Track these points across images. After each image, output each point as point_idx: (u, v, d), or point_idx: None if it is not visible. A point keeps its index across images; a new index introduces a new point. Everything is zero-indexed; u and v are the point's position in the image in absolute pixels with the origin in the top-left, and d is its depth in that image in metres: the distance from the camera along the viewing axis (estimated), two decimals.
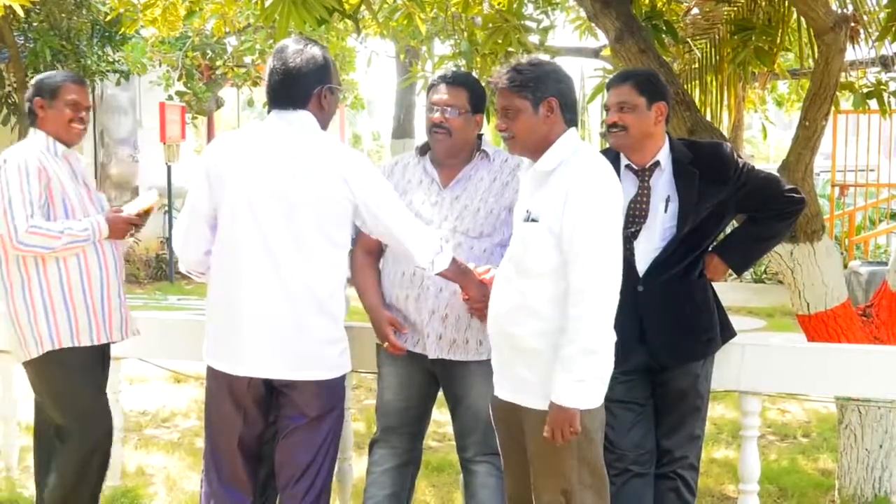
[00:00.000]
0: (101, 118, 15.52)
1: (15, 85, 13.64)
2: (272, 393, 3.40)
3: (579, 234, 3.03)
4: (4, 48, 13.22)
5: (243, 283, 3.30)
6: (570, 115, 3.19)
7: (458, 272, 3.44)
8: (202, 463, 3.61)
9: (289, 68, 3.30)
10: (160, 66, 14.86)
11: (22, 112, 13.62)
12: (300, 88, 3.31)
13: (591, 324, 3.00)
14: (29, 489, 4.90)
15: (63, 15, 12.95)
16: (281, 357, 3.30)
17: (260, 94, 17.75)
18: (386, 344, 3.67)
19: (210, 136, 20.55)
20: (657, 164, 3.61)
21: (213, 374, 3.44)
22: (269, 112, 3.44)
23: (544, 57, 4.09)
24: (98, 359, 3.93)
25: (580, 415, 3.04)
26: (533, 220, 3.13)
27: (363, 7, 5.29)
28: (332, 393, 3.42)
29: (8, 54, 13.30)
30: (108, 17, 10.35)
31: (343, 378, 3.48)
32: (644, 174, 3.61)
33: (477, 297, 3.47)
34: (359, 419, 6.14)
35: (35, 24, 12.87)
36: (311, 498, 3.41)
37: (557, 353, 3.03)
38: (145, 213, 3.97)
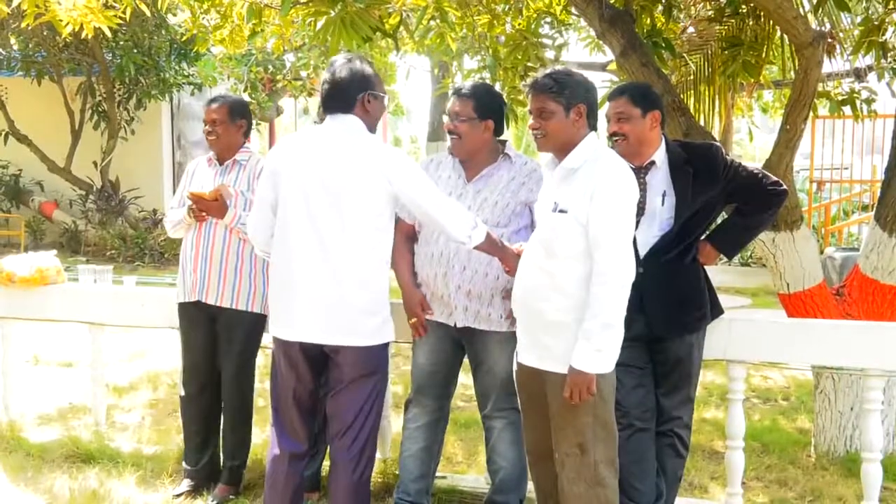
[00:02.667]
0: (179, 124, 15.64)
1: (104, 95, 13.75)
2: (325, 357, 3.41)
3: (604, 224, 3.02)
4: (95, 63, 13.34)
5: (295, 261, 3.33)
6: (593, 120, 3.20)
7: (493, 246, 3.42)
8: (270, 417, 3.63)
9: (335, 79, 3.38)
10: (228, 79, 14.96)
11: (111, 118, 13.75)
12: (345, 95, 3.37)
13: (612, 301, 3.00)
14: (115, 440, 4.95)
15: (145, 35, 13.04)
16: (325, 325, 3.32)
17: (314, 103, 17.81)
18: (413, 320, 3.71)
19: (272, 139, 20.63)
20: (653, 163, 3.59)
21: (274, 339, 3.49)
22: (319, 117, 3.54)
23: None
24: (201, 320, 4.20)
25: (596, 379, 3.04)
26: (562, 211, 3.12)
27: (402, 27, 5.28)
28: (372, 358, 3.40)
29: (98, 69, 13.42)
30: (184, 37, 10.43)
31: (384, 346, 3.45)
32: (641, 172, 3.58)
33: (516, 268, 3.43)
34: (397, 383, 6.15)
35: (121, 42, 12.97)
36: (357, 449, 3.41)
37: (580, 325, 3.02)
38: (198, 199, 4.05)
